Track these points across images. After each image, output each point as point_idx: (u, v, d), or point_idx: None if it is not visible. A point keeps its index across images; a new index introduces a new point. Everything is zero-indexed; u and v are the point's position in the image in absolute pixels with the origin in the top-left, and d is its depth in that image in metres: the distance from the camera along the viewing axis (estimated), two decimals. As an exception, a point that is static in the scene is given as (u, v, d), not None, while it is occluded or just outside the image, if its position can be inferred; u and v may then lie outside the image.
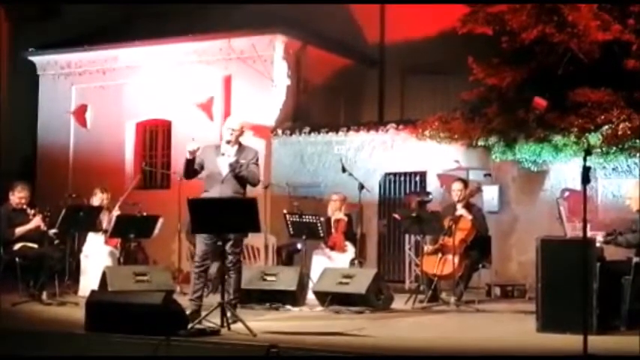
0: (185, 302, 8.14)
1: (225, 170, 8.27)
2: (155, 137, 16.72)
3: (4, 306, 9.28)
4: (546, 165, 12.77)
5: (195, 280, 8.34)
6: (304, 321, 8.76)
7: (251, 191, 10.64)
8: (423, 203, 12.51)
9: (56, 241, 10.64)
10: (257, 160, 8.49)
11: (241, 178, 8.28)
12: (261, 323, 8.04)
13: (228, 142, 8.30)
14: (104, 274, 10.02)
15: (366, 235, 12.49)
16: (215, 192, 8.23)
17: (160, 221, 11.04)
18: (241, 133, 8.47)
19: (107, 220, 11.36)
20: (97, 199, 11.58)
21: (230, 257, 8.23)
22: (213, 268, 9.96)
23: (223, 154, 8.27)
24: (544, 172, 12.93)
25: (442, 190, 13.24)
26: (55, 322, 8.47)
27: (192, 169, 8.32)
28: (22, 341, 7.33)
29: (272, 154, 15.15)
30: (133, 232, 11.12)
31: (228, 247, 8.16)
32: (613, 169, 12.23)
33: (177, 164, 13.53)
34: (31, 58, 17.49)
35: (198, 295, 8.28)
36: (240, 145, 8.42)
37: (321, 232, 11.02)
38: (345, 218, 11.65)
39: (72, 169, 16.80)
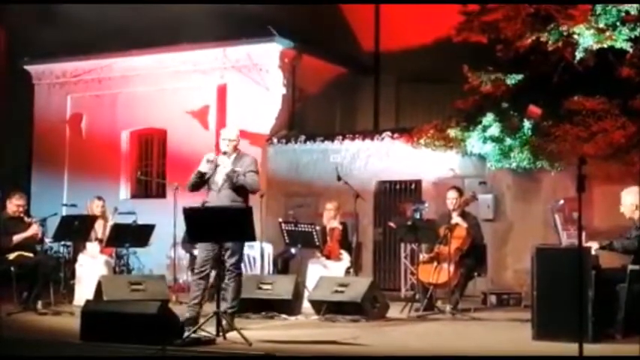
0: (180, 311, 8.12)
1: (221, 180, 8.31)
2: (150, 146, 16.71)
3: (-1, 316, 9.26)
4: (541, 173, 12.79)
5: (195, 286, 8.38)
6: (300, 330, 8.75)
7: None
8: (418, 211, 12.50)
9: (51, 250, 10.62)
10: (255, 166, 8.51)
11: (239, 187, 8.30)
12: (257, 332, 8.04)
13: (225, 153, 8.39)
14: (99, 284, 10.00)
15: (361, 244, 12.48)
16: (213, 202, 8.29)
17: (156, 230, 11.03)
18: (238, 142, 8.54)
19: (102, 229, 11.35)
20: (95, 206, 11.58)
21: (227, 266, 8.26)
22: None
23: (218, 166, 8.33)
24: (539, 180, 12.95)
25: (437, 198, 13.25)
26: (50, 332, 8.45)
27: (202, 183, 8.38)
28: (18, 351, 7.30)
29: (267, 163, 15.15)
30: (128, 241, 11.12)
31: (226, 256, 8.22)
32: (608, 177, 12.22)
33: (174, 174, 13.54)
34: (26, 67, 17.50)
35: (197, 301, 8.29)
36: (238, 153, 8.49)
37: (316, 240, 11.02)
38: (340, 227, 11.64)
39: (67, 178, 16.79)
